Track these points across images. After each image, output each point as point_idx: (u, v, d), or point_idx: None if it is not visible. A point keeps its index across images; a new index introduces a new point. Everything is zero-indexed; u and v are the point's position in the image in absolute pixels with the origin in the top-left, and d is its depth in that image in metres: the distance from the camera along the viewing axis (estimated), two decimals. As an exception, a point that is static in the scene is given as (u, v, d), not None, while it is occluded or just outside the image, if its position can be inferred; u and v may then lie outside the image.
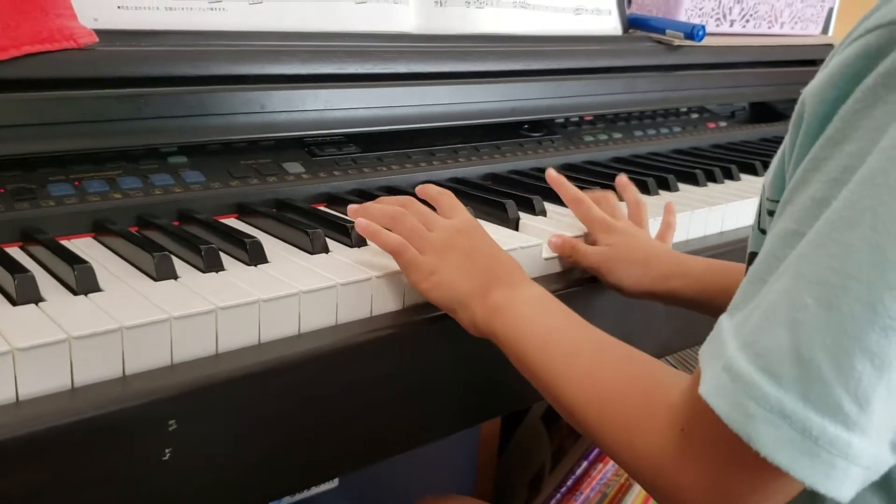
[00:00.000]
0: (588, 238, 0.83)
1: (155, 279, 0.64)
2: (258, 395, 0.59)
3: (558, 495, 1.45)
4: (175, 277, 0.64)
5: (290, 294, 0.62)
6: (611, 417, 0.53)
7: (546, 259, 0.80)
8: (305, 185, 0.85)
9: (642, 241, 0.81)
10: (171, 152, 0.82)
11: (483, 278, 0.65)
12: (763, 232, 0.55)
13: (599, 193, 0.87)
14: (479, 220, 0.78)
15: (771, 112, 1.52)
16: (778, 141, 1.39)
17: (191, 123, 0.81)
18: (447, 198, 0.72)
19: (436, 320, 0.68)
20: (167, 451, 0.55)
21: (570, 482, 1.45)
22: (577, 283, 0.80)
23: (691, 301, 0.78)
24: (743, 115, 1.49)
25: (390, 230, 0.68)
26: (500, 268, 0.66)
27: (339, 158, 0.90)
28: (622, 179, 0.91)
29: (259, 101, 0.85)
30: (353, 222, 0.73)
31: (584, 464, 1.45)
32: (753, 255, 0.53)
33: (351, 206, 0.72)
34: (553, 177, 0.86)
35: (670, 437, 0.49)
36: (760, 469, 0.42)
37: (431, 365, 0.70)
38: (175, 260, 0.67)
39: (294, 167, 0.86)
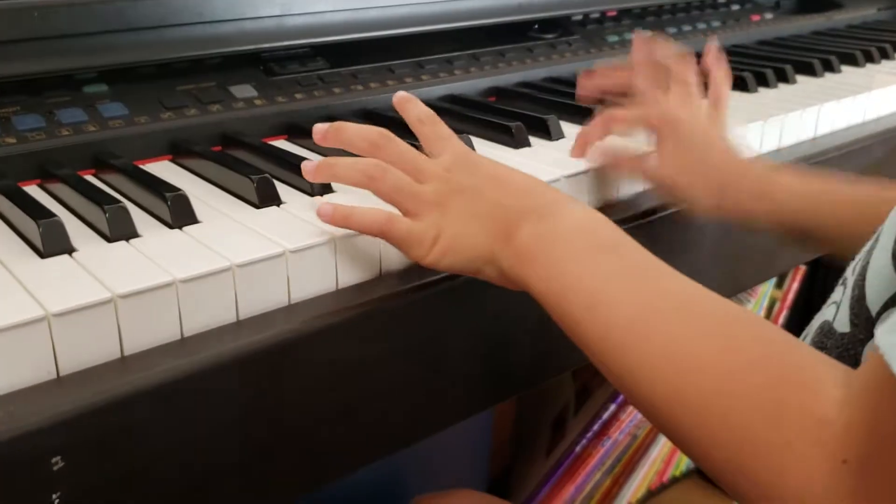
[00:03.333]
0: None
1: (42, 255, 0.47)
2: (185, 409, 0.43)
3: (584, 441, 1.33)
4: (70, 251, 0.48)
5: (220, 269, 0.46)
6: (711, 422, 0.37)
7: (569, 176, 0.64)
8: (259, 114, 0.68)
9: (717, 152, 0.63)
10: (87, 80, 0.65)
11: (502, 216, 0.49)
12: None
13: (621, 78, 0.68)
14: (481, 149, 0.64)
15: (820, -1, 1.32)
16: (832, 34, 1.19)
17: (106, 41, 0.64)
18: (431, 126, 0.54)
19: (422, 287, 0.52)
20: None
21: (596, 427, 1.33)
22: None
23: (771, 229, 0.63)
24: (789, 5, 1.29)
25: (366, 188, 0.51)
26: (520, 195, 0.49)
27: (303, 77, 0.73)
28: (710, 53, 0.70)
29: (196, 9, 0.67)
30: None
31: (612, 407, 1.32)
32: None
33: (304, 164, 0.53)
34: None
35: (822, 469, 0.32)
36: None
37: (421, 346, 0.54)
38: (76, 225, 0.51)
39: (244, 91, 0.69)
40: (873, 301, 0.40)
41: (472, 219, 0.49)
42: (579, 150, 0.66)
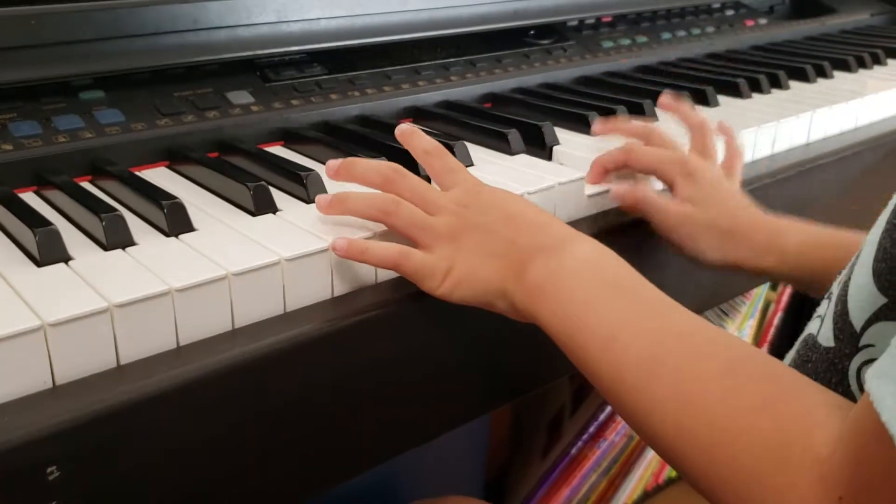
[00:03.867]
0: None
1: (39, 263, 0.48)
2: (181, 418, 0.43)
3: (580, 443, 1.33)
4: (66, 260, 0.48)
5: (216, 278, 0.46)
6: (719, 461, 0.38)
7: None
8: (256, 120, 0.68)
9: (731, 200, 0.64)
10: (83, 86, 0.65)
11: (513, 252, 0.49)
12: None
13: (640, 127, 0.69)
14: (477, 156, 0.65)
15: (814, 4, 1.32)
16: (825, 39, 1.20)
17: (102, 48, 0.64)
18: (438, 160, 0.55)
19: (418, 296, 0.52)
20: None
21: (592, 429, 1.33)
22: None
23: (789, 279, 0.64)
24: (783, 10, 1.29)
25: (380, 222, 0.53)
26: (532, 232, 0.50)
27: (300, 83, 0.73)
28: (725, 125, 0.71)
29: (192, 16, 0.67)
30: (310, 170, 0.57)
31: (608, 409, 1.32)
32: None
33: (318, 198, 0.54)
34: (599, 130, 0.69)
35: None
36: None
37: (417, 353, 0.54)
38: (72, 233, 0.51)
39: (241, 97, 0.69)
40: (856, 317, 0.41)
41: (484, 255, 0.50)
42: (596, 176, 0.65)
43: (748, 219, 0.63)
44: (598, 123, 0.72)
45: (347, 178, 0.55)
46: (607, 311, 0.45)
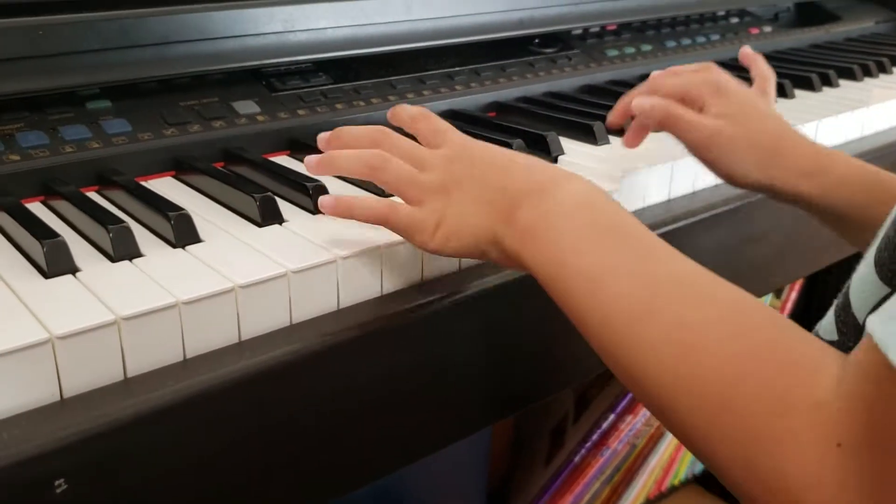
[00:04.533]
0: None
1: (47, 275, 0.48)
2: (188, 431, 0.43)
3: (583, 450, 1.33)
4: (74, 271, 0.48)
5: (223, 290, 0.46)
6: (716, 408, 0.36)
7: None
8: (262, 129, 0.68)
9: (769, 118, 0.61)
10: (90, 96, 0.65)
11: (503, 197, 0.48)
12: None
13: (700, 65, 0.67)
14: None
15: (819, 12, 1.32)
16: (830, 47, 1.19)
17: (109, 58, 0.64)
18: (425, 122, 0.54)
19: (424, 306, 0.52)
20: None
21: (595, 437, 1.33)
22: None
23: (822, 210, 0.60)
24: (788, 18, 1.29)
25: (369, 179, 0.52)
26: (520, 175, 0.49)
27: (305, 92, 0.73)
28: (747, 50, 0.71)
29: (198, 25, 0.67)
30: (316, 181, 0.57)
31: (612, 417, 1.32)
32: None
33: (308, 159, 0.54)
34: (614, 118, 0.68)
35: (816, 454, 0.32)
36: None
37: (423, 364, 0.54)
38: (79, 244, 0.51)
39: (247, 107, 0.69)
40: (859, 308, 0.40)
41: (474, 202, 0.49)
42: (618, 116, 0.64)
43: (792, 139, 0.60)
44: (609, 116, 0.69)
45: (337, 146, 0.54)
46: (597, 250, 0.43)
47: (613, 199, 0.47)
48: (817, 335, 0.45)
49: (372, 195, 0.50)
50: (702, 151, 0.60)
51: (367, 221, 0.51)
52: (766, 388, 0.35)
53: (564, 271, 0.44)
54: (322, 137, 0.55)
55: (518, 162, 0.50)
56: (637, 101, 0.62)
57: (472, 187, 0.49)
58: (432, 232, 0.49)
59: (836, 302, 0.43)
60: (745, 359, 0.36)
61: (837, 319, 0.43)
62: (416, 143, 0.53)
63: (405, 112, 0.56)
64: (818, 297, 1.45)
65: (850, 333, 0.41)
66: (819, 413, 0.33)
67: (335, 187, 0.60)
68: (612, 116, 0.64)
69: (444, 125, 0.54)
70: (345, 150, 0.53)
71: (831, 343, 0.43)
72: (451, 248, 0.49)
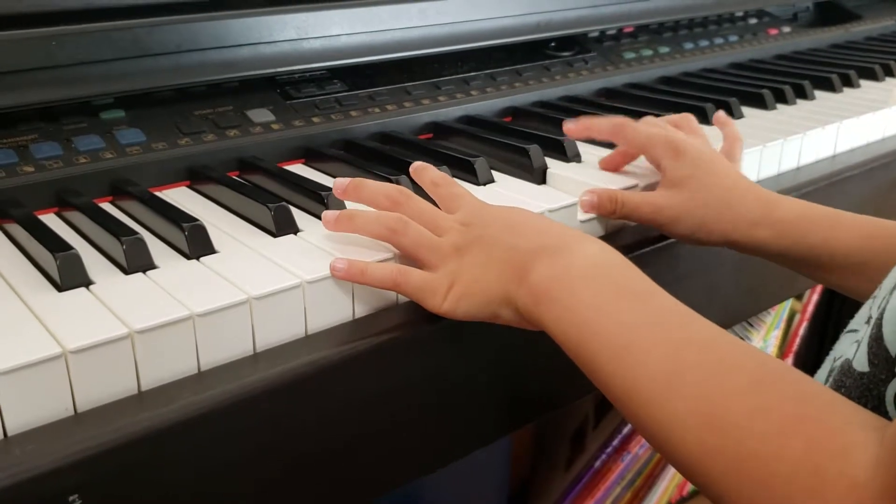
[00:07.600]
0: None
1: (60, 288, 0.47)
2: (203, 444, 0.43)
3: (604, 455, 1.32)
4: (87, 284, 0.48)
5: (237, 302, 0.46)
6: (748, 483, 0.35)
7: (583, 222, 0.62)
8: (277, 138, 0.68)
9: (724, 176, 0.62)
10: (104, 106, 0.65)
11: (515, 256, 0.48)
12: None
13: (678, 117, 0.69)
14: (495, 172, 0.67)
15: (839, 11, 1.30)
16: (851, 47, 1.18)
17: (122, 68, 0.64)
18: (445, 187, 0.56)
19: (439, 316, 0.52)
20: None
21: (616, 441, 1.32)
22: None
23: (779, 255, 0.61)
24: (807, 17, 1.27)
25: (387, 241, 0.52)
26: (532, 236, 0.49)
27: (320, 100, 0.73)
28: (720, 115, 0.72)
29: (212, 33, 0.67)
30: (331, 189, 0.56)
31: (632, 422, 1.30)
32: None
33: (325, 214, 0.54)
34: (574, 129, 0.68)
35: None
36: None
37: (439, 374, 0.54)
38: (93, 255, 0.51)
39: (261, 115, 0.69)
40: (892, 341, 0.39)
41: (486, 264, 0.49)
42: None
43: (742, 189, 0.61)
44: (569, 123, 0.70)
45: (355, 199, 0.55)
46: (620, 317, 0.43)
47: (628, 261, 0.47)
48: (849, 366, 0.44)
49: (382, 263, 0.50)
50: (653, 223, 0.62)
51: (378, 287, 0.51)
52: (798, 466, 0.34)
53: (585, 336, 0.44)
54: (339, 185, 0.55)
55: (530, 220, 0.51)
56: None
57: (484, 249, 0.49)
58: (444, 294, 0.49)
59: (870, 332, 0.42)
60: (775, 436, 0.36)
61: (870, 351, 0.42)
62: (433, 207, 0.54)
63: (427, 176, 0.57)
64: (839, 297, 1.43)
65: (882, 366, 0.40)
66: (857, 493, 0.32)
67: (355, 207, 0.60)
68: (570, 131, 0.67)
69: (462, 190, 0.55)
70: (363, 211, 0.53)
71: (862, 375, 0.42)
72: (462, 310, 0.49)
